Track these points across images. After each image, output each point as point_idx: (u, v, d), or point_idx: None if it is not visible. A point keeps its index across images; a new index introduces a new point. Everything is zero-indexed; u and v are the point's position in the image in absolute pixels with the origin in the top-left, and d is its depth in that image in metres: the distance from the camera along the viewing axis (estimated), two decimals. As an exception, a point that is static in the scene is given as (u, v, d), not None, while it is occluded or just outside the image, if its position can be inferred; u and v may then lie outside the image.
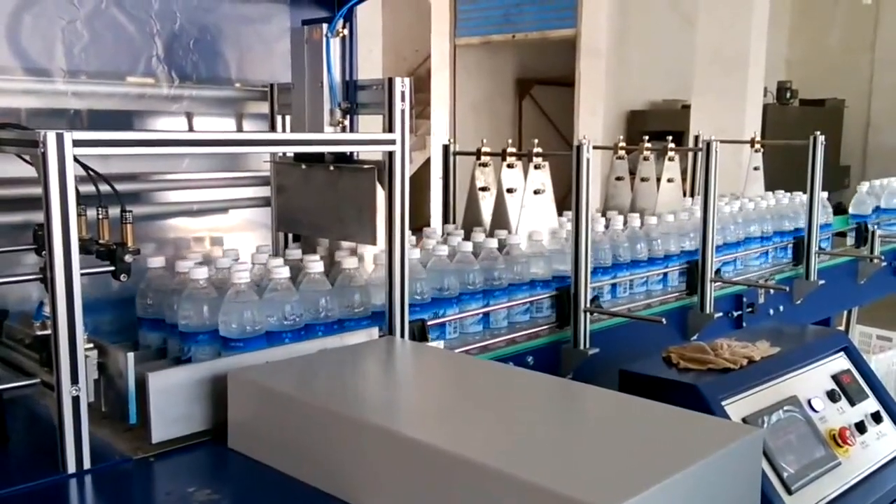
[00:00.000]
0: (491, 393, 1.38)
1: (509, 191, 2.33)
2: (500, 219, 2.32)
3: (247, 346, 1.51)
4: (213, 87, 2.06)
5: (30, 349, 1.38)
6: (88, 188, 1.48)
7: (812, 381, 1.82)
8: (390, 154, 1.66)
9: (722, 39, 6.23)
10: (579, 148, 1.99)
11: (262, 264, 1.72)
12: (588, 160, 1.99)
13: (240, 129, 2.16)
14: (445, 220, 2.58)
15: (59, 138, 1.21)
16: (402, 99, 1.66)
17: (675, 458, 1.06)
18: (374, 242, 1.74)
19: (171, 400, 1.36)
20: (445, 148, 2.63)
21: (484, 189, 2.43)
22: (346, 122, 1.82)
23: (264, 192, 2.08)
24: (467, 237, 2.08)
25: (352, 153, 1.84)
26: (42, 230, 1.57)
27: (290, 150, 1.93)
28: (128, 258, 1.37)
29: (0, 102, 1.73)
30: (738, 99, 6.18)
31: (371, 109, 1.79)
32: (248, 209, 2.16)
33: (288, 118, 1.98)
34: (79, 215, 1.36)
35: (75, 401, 1.25)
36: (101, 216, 1.46)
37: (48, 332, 1.31)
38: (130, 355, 1.32)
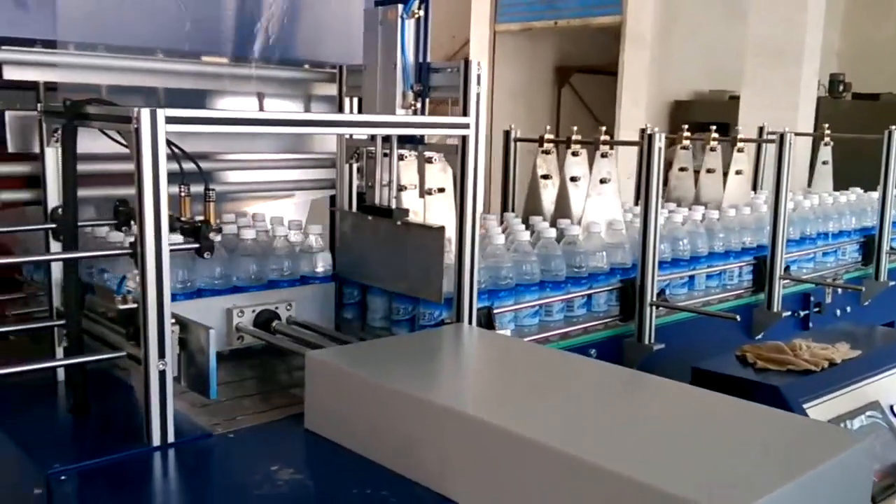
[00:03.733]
0: (569, 383, 1.36)
1: (573, 179, 2.29)
2: (563, 208, 2.29)
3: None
4: (284, 69, 2.06)
5: (113, 322, 1.40)
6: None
7: (894, 385, 1.77)
8: (464, 138, 1.64)
9: (775, 30, 6.07)
10: (651, 137, 1.95)
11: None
12: (660, 149, 1.96)
13: (307, 111, 2.16)
14: (504, 209, 2.55)
15: (153, 115, 1.22)
16: (478, 82, 1.64)
17: (791, 463, 1.01)
18: (439, 300, 1.66)
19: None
20: (506, 134, 2.60)
21: (546, 177, 2.40)
22: (418, 106, 1.80)
23: (329, 174, 2.08)
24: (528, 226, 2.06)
25: (421, 136, 1.83)
26: (123, 206, 1.60)
27: (364, 133, 1.89)
28: (212, 235, 1.38)
29: (81, 78, 1.74)
30: (791, 92, 6.03)
31: (442, 92, 1.77)
32: (313, 191, 2.16)
33: (356, 100, 1.97)
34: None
35: (162, 375, 1.27)
36: (183, 193, 1.47)
37: (133, 305, 1.32)
38: (212, 331, 1.33)
